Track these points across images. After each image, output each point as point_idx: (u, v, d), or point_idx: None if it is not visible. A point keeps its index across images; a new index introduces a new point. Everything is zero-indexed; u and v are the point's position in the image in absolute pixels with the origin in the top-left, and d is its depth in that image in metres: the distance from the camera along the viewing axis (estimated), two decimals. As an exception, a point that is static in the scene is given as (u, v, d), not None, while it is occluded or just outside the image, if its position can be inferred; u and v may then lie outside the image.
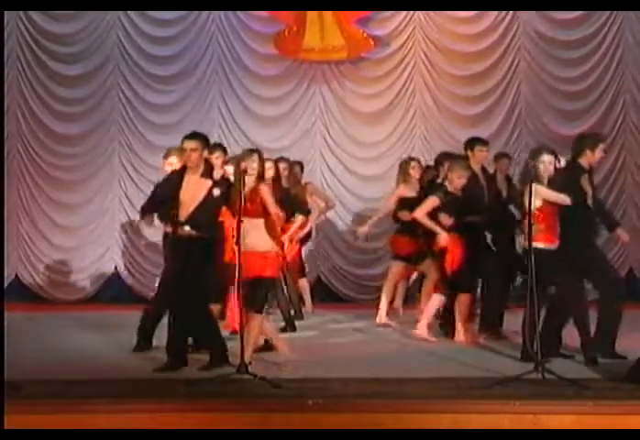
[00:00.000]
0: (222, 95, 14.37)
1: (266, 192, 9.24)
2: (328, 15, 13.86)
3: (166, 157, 10.16)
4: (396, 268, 11.95)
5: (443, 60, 14.22)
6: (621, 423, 6.99)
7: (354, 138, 14.41)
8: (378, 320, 11.80)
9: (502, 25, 14.09)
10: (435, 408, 7.74)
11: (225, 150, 10.79)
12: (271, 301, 10.77)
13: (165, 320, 9.68)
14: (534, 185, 9.12)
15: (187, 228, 9.06)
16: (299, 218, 11.00)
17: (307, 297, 12.96)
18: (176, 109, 14.35)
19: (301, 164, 12.84)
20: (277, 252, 9.30)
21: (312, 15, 13.92)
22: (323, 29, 13.93)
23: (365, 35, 14.07)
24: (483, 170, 11.01)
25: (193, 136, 9.21)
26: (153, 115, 14.32)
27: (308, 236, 12.84)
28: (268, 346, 9.95)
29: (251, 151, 9.49)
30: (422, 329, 10.75)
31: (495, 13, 13.97)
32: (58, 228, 14.40)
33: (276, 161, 11.15)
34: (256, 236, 9.16)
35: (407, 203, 11.36)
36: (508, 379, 8.45)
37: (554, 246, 9.39)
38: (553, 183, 9.40)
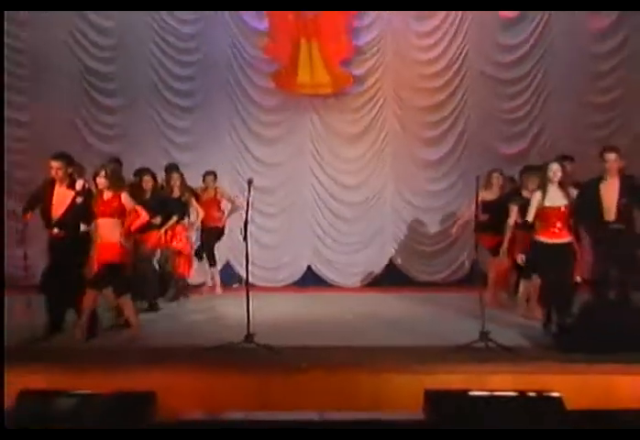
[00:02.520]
0: (231, 121, 14.35)
1: (125, 197, 9.60)
2: (317, 57, 13.90)
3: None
4: (491, 261, 11.81)
5: (408, 93, 14.21)
6: (545, 381, 7.12)
7: (337, 155, 14.41)
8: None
9: (454, 66, 14.08)
10: (407, 370, 7.89)
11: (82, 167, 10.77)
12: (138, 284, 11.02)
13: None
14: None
15: (56, 230, 9.45)
16: (173, 219, 11.71)
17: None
18: (195, 132, 14.36)
19: (214, 174, 13.03)
20: (122, 243, 9.50)
21: (304, 57, 13.93)
22: (312, 69, 13.93)
23: (346, 74, 14.08)
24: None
25: (57, 157, 9.58)
26: (177, 137, 14.37)
27: (222, 232, 13.11)
28: (126, 324, 10.04)
29: (103, 166, 9.82)
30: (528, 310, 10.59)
31: (450, 56, 14.04)
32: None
33: (170, 174, 12.23)
34: (109, 231, 9.45)
35: (487, 206, 11.46)
36: (460, 348, 8.56)
37: (550, 240, 9.37)
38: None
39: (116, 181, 9.69)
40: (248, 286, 9.39)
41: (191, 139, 14.38)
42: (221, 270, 13.84)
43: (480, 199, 11.38)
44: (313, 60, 13.98)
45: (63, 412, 5.63)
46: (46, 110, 14.10)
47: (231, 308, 10.56)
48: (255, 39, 14.20)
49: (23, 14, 13.94)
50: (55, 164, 9.47)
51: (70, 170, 9.62)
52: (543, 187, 9.41)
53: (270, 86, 14.25)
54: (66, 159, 9.62)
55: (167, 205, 11.66)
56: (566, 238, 9.38)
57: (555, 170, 9.35)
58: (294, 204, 14.38)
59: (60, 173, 9.47)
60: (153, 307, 11.44)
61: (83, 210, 9.52)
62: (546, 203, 9.34)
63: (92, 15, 14.14)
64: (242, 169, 14.03)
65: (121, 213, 9.52)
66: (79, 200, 9.48)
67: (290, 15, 13.91)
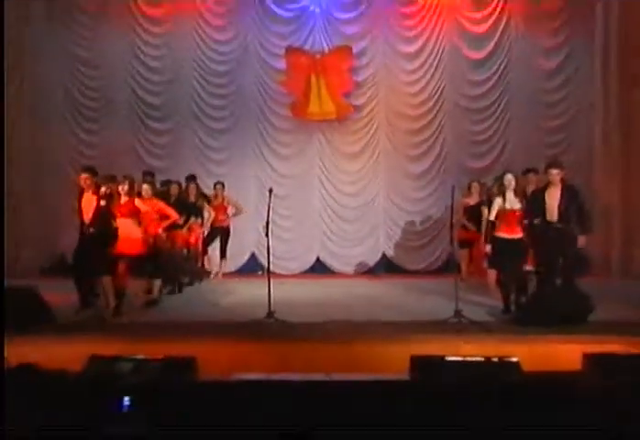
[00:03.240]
0: (256, 141, 14.33)
1: (139, 203, 9.94)
2: (324, 91, 13.92)
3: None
4: (461, 252, 11.90)
5: (397, 119, 14.22)
6: (506, 349, 7.12)
7: (339, 169, 14.39)
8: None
9: (434, 98, 14.12)
10: (396, 340, 7.91)
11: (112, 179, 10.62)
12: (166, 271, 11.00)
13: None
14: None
15: (91, 229, 9.48)
16: (191, 219, 11.76)
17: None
18: (227, 150, 14.38)
19: (222, 184, 12.99)
20: (141, 239, 9.72)
21: (314, 90, 13.95)
22: (321, 100, 13.93)
23: (348, 104, 14.11)
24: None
25: (85, 170, 9.79)
26: (213, 154, 14.36)
27: (227, 231, 13.01)
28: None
29: (125, 178, 10.03)
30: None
31: (430, 90, 14.10)
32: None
33: (188, 183, 12.27)
34: (128, 228, 9.66)
35: (468, 210, 11.58)
36: (438, 322, 8.60)
37: (509, 235, 9.39)
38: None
39: (132, 190, 9.97)
40: (270, 273, 9.45)
41: (224, 156, 14.36)
42: (247, 261, 14.07)
43: (463, 204, 11.51)
44: (321, 93, 13.99)
45: (124, 373, 5.68)
46: (110, 134, 14.18)
47: (256, 291, 10.57)
48: (275, 76, 14.22)
49: (96, 59, 14.19)
50: (84, 175, 9.61)
51: (95, 180, 9.71)
52: (502, 194, 9.45)
53: (286, 114, 14.24)
54: (91, 171, 9.77)
55: (187, 208, 11.74)
56: (519, 234, 9.42)
57: (509, 180, 9.41)
58: (306, 208, 14.37)
59: (88, 182, 9.59)
60: (191, 283, 11.92)
61: (106, 211, 9.59)
62: (506, 206, 9.38)
63: (146, 57, 14.23)
64: (264, 179, 13.99)
65: (135, 214, 9.75)
66: (102, 203, 9.54)
67: (302, 57, 13.99)
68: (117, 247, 9.58)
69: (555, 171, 9.43)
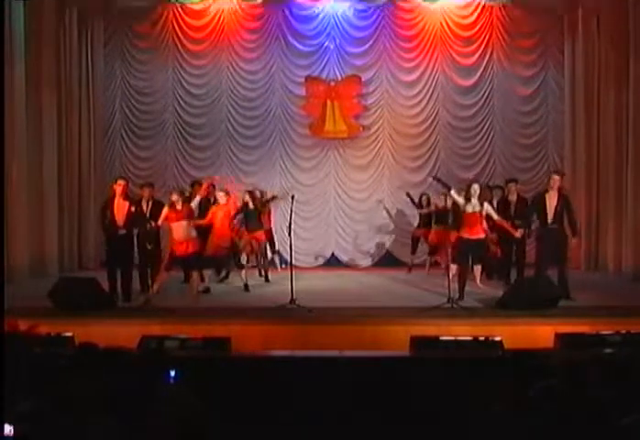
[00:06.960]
0: (281, 156, 14.29)
1: (194, 203, 9.55)
2: (338, 113, 13.92)
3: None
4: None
5: (399, 137, 14.16)
6: (490, 330, 7.10)
7: (351, 178, 14.32)
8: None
9: (430, 119, 14.07)
10: (398, 322, 7.89)
11: (152, 186, 10.34)
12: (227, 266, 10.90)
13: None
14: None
15: (122, 231, 9.39)
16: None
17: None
18: (256, 163, 14.33)
19: (261, 193, 12.36)
20: (194, 239, 9.35)
21: (329, 113, 13.95)
22: (335, 121, 13.92)
23: (357, 124, 14.09)
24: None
25: (121, 178, 9.87)
26: (244, 167, 14.30)
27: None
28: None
29: (174, 189, 9.98)
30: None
31: (427, 112, 14.05)
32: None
33: (251, 192, 11.06)
34: (182, 230, 9.22)
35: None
36: (434, 308, 8.56)
37: (471, 236, 9.23)
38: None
39: (184, 196, 9.73)
40: (292, 267, 9.44)
41: (254, 168, 14.27)
42: (273, 256, 13.94)
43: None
44: (335, 115, 13.98)
45: (169, 350, 5.69)
46: (158, 149, 14.24)
47: (280, 281, 10.57)
48: (297, 101, 14.21)
49: (147, 88, 14.24)
50: (121, 182, 9.58)
51: (127, 188, 9.70)
52: (468, 199, 9.33)
53: (306, 133, 14.22)
54: (126, 180, 9.84)
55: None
56: (481, 235, 9.29)
57: (475, 189, 9.32)
58: (323, 211, 14.32)
59: (126, 189, 9.60)
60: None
61: (136, 215, 9.52)
62: (468, 210, 9.28)
63: (188, 86, 14.25)
64: (288, 188, 13.89)
65: (190, 215, 9.37)
66: (132, 208, 9.50)
67: (319, 85, 13.99)
68: (172, 246, 9.27)
69: (557, 177, 9.37)
